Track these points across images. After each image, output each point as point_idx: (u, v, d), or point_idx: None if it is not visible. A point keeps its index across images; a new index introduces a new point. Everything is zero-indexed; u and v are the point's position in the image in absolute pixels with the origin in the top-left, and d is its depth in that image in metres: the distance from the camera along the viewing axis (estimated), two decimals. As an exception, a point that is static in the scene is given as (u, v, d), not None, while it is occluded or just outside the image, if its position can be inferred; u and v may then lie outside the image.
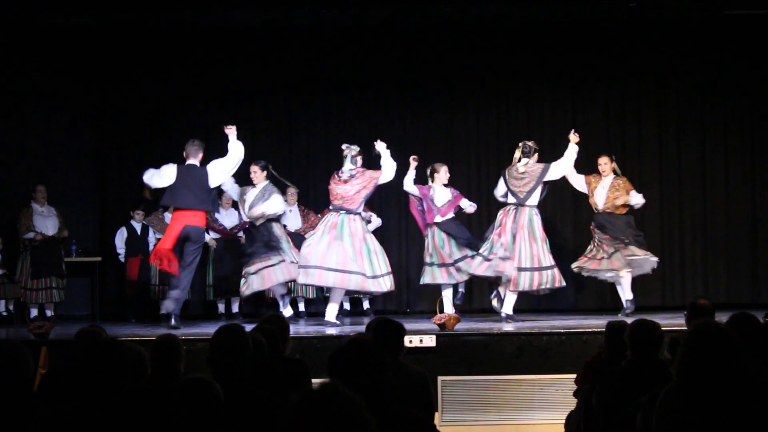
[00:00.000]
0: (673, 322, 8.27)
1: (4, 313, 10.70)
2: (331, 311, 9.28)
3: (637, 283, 11.14)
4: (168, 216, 11.14)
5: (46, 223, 10.74)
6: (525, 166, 9.65)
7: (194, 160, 9.22)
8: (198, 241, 9.27)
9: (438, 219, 9.89)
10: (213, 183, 9.19)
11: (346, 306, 11.20)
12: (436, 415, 7.08)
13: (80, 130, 11.70)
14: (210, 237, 10.99)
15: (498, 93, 11.83)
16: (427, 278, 9.95)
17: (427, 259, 9.94)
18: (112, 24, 11.12)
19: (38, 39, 11.13)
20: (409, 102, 11.81)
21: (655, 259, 10.02)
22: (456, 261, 9.82)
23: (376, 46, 11.60)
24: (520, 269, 9.46)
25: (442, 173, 9.99)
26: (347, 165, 9.40)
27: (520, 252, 9.47)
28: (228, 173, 9.31)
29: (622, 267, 9.89)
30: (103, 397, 3.42)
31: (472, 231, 11.72)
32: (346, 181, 9.32)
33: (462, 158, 11.79)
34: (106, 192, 11.74)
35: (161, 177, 9.26)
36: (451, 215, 9.97)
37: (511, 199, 9.68)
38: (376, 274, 9.20)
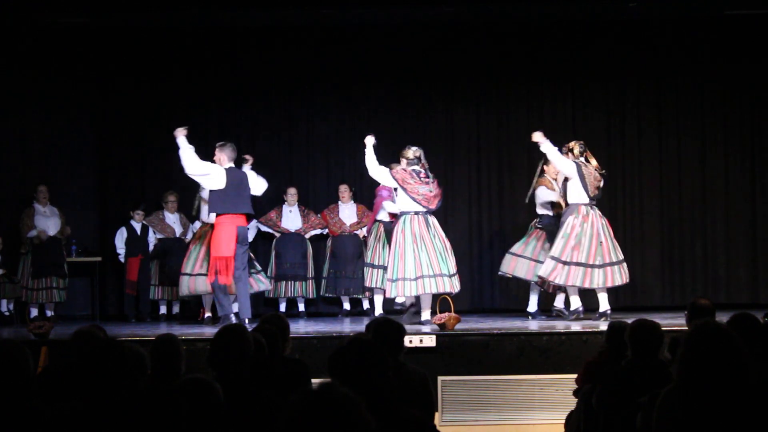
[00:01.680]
0: (673, 322, 8.28)
1: (6, 313, 10.71)
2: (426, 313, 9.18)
3: (637, 282, 11.15)
4: (168, 216, 11.14)
5: (48, 223, 10.75)
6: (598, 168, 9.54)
7: (232, 163, 9.20)
8: (246, 242, 9.27)
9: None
10: (254, 191, 9.32)
11: (346, 306, 11.19)
12: (436, 415, 7.07)
13: (80, 130, 11.69)
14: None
15: (498, 93, 11.81)
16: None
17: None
18: (111, 24, 11.12)
19: (38, 39, 11.12)
20: (409, 101, 11.80)
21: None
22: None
23: (376, 45, 11.59)
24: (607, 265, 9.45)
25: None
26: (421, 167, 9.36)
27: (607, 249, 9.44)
28: (256, 190, 9.42)
29: None
30: (102, 397, 3.42)
31: (472, 229, 11.76)
32: (428, 182, 9.24)
33: (462, 158, 11.78)
34: (106, 192, 11.73)
35: (213, 180, 9.04)
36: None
37: (584, 200, 9.41)
38: (451, 272, 9.16)
